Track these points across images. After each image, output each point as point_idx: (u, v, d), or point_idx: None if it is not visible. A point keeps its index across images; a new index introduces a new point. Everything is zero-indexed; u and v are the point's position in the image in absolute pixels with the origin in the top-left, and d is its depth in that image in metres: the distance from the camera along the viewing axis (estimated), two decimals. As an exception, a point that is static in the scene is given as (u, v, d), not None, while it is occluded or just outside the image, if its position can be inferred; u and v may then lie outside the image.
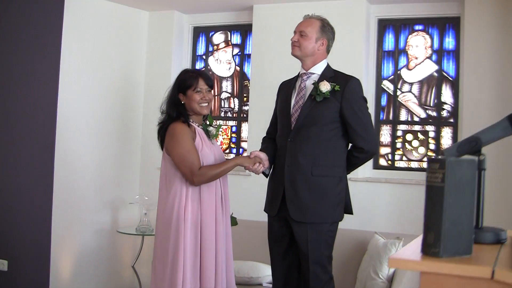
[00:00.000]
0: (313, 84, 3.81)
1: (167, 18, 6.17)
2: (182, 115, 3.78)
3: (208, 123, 3.97)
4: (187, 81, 3.82)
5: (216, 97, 6.25)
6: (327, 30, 3.91)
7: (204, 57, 6.34)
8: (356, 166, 3.94)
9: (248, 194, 5.57)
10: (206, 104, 3.82)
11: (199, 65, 6.33)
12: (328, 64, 3.93)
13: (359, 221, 5.20)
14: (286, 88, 4.03)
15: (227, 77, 6.25)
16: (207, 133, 3.89)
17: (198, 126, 3.83)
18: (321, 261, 3.74)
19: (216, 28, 6.29)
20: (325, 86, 3.77)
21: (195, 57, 6.35)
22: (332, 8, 5.47)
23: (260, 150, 4.02)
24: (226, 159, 3.89)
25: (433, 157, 1.85)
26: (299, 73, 3.96)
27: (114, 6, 5.89)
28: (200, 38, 6.35)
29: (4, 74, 5.62)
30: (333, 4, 5.49)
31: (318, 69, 3.88)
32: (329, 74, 3.87)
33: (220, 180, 3.82)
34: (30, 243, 5.41)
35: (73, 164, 5.53)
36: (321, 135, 3.75)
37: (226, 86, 6.24)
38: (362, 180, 5.37)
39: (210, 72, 6.28)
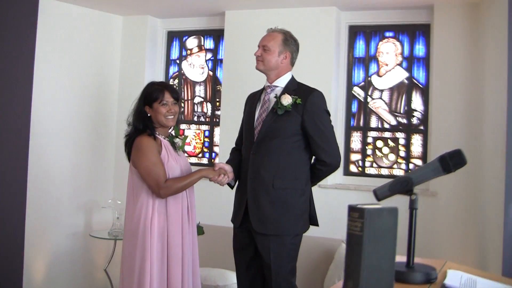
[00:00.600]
0: (274, 97, 3.86)
1: (141, 22, 6.19)
2: (148, 128, 3.80)
3: (174, 134, 4.02)
4: (153, 94, 3.84)
5: (189, 101, 6.28)
6: (290, 43, 3.93)
7: (177, 61, 6.36)
8: (319, 178, 3.96)
9: (218, 200, 5.61)
10: (172, 116, 3.85)
11: (173, 70, 6.36)
12: (292, 77, 3.96)
13: (328, 229, 5.24)
14: (252, 101, 4.06)
15: (200, 81, 6.27)
16: (173, 145, 3.92)
17: (164, 139, 3.86)
18: (284, 273, 3.77)
19: (189, 33, 6.31)
20: (287, 99, 3.80)
21: (169, 62, 6.37)
22: (303, 15, 5.53)
23: (227, 161, 4.07)
24: (193, 171, 3.93)
25: (353, 205, 1.88)
26: (264, 85, 4.01)
27: (88, 11, 5.91)
28: (174, 42, 6.37)
29: None
30: (304, 11, 5.52)
31: (282, 82, 3.91)
32: (293, 87, 3.90)
33: (186, 191, 3.86)
34: (3, 245, 5.42)
35: (47, 167, 5.56)
36: (283, 148, 3.78)
37: (199, 90, 6.26)
38: (331, 187, 5.42)
39: (184, 77, 6.31)
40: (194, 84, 6.29)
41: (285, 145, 3.79)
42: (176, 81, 6.36)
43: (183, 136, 4.06)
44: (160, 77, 6.33)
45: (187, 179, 3.75)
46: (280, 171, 3.78)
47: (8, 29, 5.48)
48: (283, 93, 3.85)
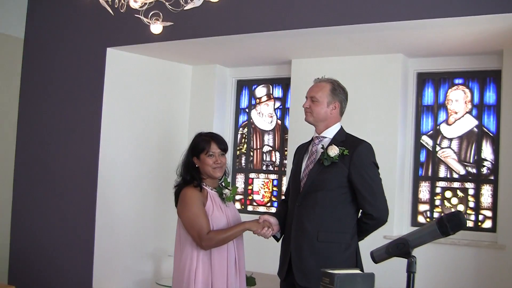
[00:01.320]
0: (321, 148, 3.81)
1: (210, 71, 6.31)
2: (195, 179, 3.83)
3: (224, 185, 4.03)
4: (199, 145, 3.87)
5: (258, 150, 6.31)
6: (338, 92, 3.87)
7: (247, 110, 6.42)
8: (367, 232, 3.85)
9: (272, 248, 5.57)
10: (219, 167, 3.86)
11: (242, 118, 6.43)
12: (341, 128, 3.90)
13: (387, 282, 5.10)
14: (301, 152, 4.02)
15: (269, 130, 6.29)
16: (221, 196, 3.94)
17: (212, 190, 3.86)
18: (328, 328, 3.68)
19: (258, 82, 6.37)
20: (333, 151, 3.73)
21: (238, 110, 6.44)
22: (368, 63, 5.46)
23: (274, 213, 4.04)
24: (237, 224, 3.91)
25: (324, 270, 1.82)
26: (312, 137, 3.97)
27: (157, 62, 6.07)
28: (244, 91, 6.44)
29: (47, 127, 5.92)
30: (369, 58, 5.45)
31: (330, 133, 3.85)
32: (341, 138, 3.83)
33: (234, 243, 3.85)
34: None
35: (114, 215, 5.72)
36: (328, 200, 3.70)
37: (268, 139, 6.29)
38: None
39: (253, 126, 6.36)
40: (263, 132, 6.32)
41: (330, 198, 3.71)
42: (246, 130, 6.41)
43: (232, 187, 4.03)
44: (230, 126, 6.41)
45: (229, 231, 3.73)
46: (324, 224, 3.70)
47: (75, 81, 5.77)
48: (330, 144, 3.79)
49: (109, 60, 5.63)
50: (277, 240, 4.01)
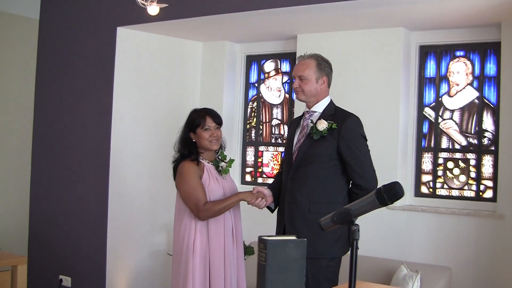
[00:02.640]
0: (311, 122, 3.93)
1: (220, 48, 6.42)
2: (192, 153, 4.02)
3: (220, 158, 4.19)
4: (195, 120, 4.06)
5: (267, 123, 6.42)
6: (323, 66, 3.96)
7: (256, 84, 6.53)
8: None
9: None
10: (215, 140, 4.03)
11: (252, 93, 6.53)
12: (330, 102, 3.99)
13: (391, 251, 5.23)
14: (293, 126, 4.15)
15: (277, 104, 6.40)
16: (218, 168, 4.10)
17: (208, 163, 4.05)
18: (322, 295, 3.80)
19: (267, 57, 6.46)
20: (322, 125, 3.84)
21: (248, 85, 6.55)
22: (372, 37, 5.52)
23: (269, 185, 4.19)
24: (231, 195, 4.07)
25: (261, 236, 1.96)
26: (304, 111, 4.09)
27: (167, 39, 6.20)
28: (253, 66, 6.54)
29: (63, 109, 6.11)
30: (373, 32, 5.51)
31: (320, 107, 3.96)
32: (330, 111, 3.94)
33: (231, 213, 4.03)
34: (86, 264, 5.84)
35: (126, 191, 5.89)
36: (320, 173, 3.83)
37: (277, 113, 6.39)
38: (399, 209, 5.36)
39: (262, 100, 6.47)
40: (271, 106, 6.43)
41: (321, 170, 3.84)
42: (255, 104, 6.52)
43: (228, 159, 4.21)
44: (240, 101, 6.51)
45: (225, 202, 3.92)
46: (316, 196, 3.83)
47: (87, 60, 5.92)
48: (319, 118, 3.90)
49: (120, 39, 5.75)
50: (271, 211, 4.16)
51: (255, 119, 6.52)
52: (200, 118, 4.04)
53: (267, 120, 6.43)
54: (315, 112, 3.98)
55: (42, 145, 6.23)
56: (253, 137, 6.53)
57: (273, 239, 1.92)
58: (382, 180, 4.97)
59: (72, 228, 5.96)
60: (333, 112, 3.95)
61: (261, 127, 6.46)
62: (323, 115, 3.92)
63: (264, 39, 6.29)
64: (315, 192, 3.83)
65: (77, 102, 6.00)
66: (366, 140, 3.93)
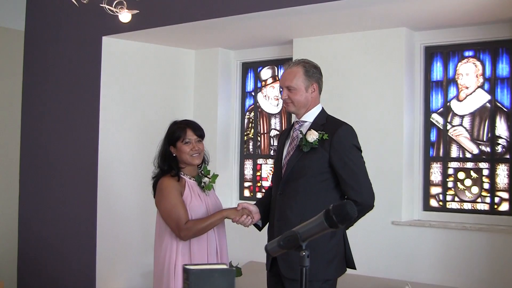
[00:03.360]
0: (300, 133, 3.63)
1: (213, 55, 6.18)
2: (173, 169, 3.80)
3: (203, 173, 3.94)
4: (175, 133, 3.84)
5: (265, 135, 6.15)
6: (312, 73, 3.67)
7: (253, 93, 6.27)
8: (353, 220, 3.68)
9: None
10: (197, 154, 3.81)
11: (249, 102, 6.29)
12: (322, 110, 3.71)
13: (396, 270, 4.93)
14: (283, 138, 3.88)
15: (276, 113, 6.13)
16: (200, 184, 3.87)
17: (190, 178, 3.83)
18: (315, 320, 3.51)
19: (263, 64, 6.21)
20: (312, 136, 3.57)
21: (244, 94, 6.30)
22: (372, 38, 5.23)
23: (257, 201, 3.92)
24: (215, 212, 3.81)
25: (185, 265, 1.75)
26: (293, 121, 3.80)
27: (157, 48, 5.98)
28: (249, 74, 6.29)
29: (49, 119, 5.92)
30: (371, 34, 5.21)
31: (310, 116, 3.68)
32: (321, 121, 3.66)
33: (215, 231, 3.82)
34: (79, 284, 5.65)
35: (116, 207, 5.69)
36: (310, 187, 3.56)
37: (275, 123, 6.11)
38: (405, 224, 5.05)
39: (259, 109, 6.20)
40: (269, 116, 6.15)
41: (312, 185, 3.56)
42: (252, 114, 6.27)
43: (212, 175, 3.94)
44: (236, 111, 6.29)
45: (208, 220, 3.70)
46: (307, 213, 3.46)
47: (73, 71, 5.74)
48: (309, 128, 3.62)
49: (106, 49, 5.58)
50: (259, 229, 3.91)
51: (252, 130, 6.26)
52: (180, 131, 3.84)
53: (265, 131, 6.16)
54: (305, 122, 3.72)
55: (29, 161, 6.14)
56: (251, 150, 6.26)
57: (196, 268, 1.72)
58: (386, 194, 4.86)
59: (61, 247, 5.81)
60: (324, 122, 3.68)
61: (259, 138, 6.20)
62: (314, 125, 3.67)
63: (259, 45, 6.05)
64: (306, 208, 3.55)
65: (64, 115, 5.87)
66: (361, 151, 3.64)
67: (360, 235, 4.76)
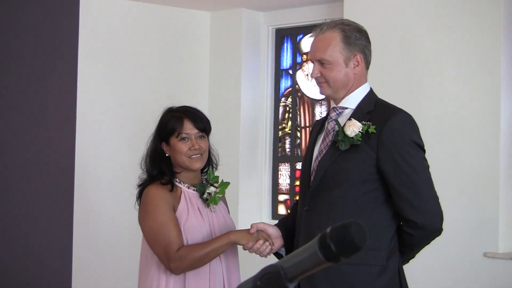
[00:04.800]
0: (336, 124, 3.62)
1: (235, 18, 6.31)
2: (165, 174, 3.81)
3: (208, 181, 3.94)
4: (167, 124, 3.85)
5: (307, 129, 6.26)
6: (354, 38, 3.63)
7: (290, 71, 6.37)
8: (413, 248, 3.67)
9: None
10: (198, 155, 3.80)
11: (285, 84, 6.39)
12: (370, 91, 3.68)
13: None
14: (315, 131, 3.88)
15: (321, 100, 6.24)
16: (203, 195, 3.87)
17: (189, 188, 3.83)
18: None
19: (304, 30, 6.30)
20: (352, 128, 3.53)
21: (279, 73, 6.42)
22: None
23: (279, 221, 3.93)
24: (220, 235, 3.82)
25: None
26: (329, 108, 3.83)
27: (159, 9, 6.13)
28: (285, 44, 6.41)
29: (7, 110, 6.04)
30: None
31: (352, 100, 3.66)
32: (367, 107, 3.63)
33: (221, 263, 3.81)
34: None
35: (94, 214, 5.91)
36: (350, 202, 3.55)
37: (321, 112, 6.22)
38: (503, 257, 5.06)
39: (299, 94, 6.29)
40: (313, 103, 6.25)
41: (352, 198, 3.55)
42: (289, 100, 6.36)
43: (220, 183, 3.94)
44: (267, 96, 6.42)
45: (208, 246, 3.67)
46: None
47: (40, 43, 5.84)
48: (350, 118, 3.60)
49: (84, 10, 5.69)
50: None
51: (290, 123, 6.32)
52: (175, 122, 3.84)
53: (308, 124, 6.25)
54: (346, 108, 3.69)
55: None
56: (287, 150, 6.33)
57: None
58: (477, 215, 4.83)
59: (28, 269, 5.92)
60: (372, 108, 3.65)
61: (298, 134, 6.28)
62: (357, 113, 3.63)
63: (298, 4, 6.13)
64: None
65: (31, 104, 5.94)
66: (423, 150, 3.61)
67: (438, 271, 4.74)
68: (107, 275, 5.98)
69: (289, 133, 6.35)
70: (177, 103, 5.73)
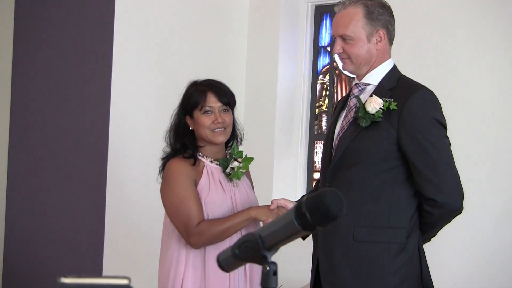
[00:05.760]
0: (357, 100, 3.62)
1: None
2: (188, 148, 3.86)
3: (232, 156, 3.97)
4: (191, 97, 3.89)
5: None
6: (377, 13, 3.65)
7: (329, 49, 6.36)
8: (433, 227, 3.67)
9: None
10: (222, 129, 3.83)
11: (323, 62, 6.39)
12: (394, 67, 3.71)
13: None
14: (338, 108, 3.91)
15: (359, 77, 6.18)
16: (226, 170, 3.91)
17: (212, 162, 3.87)
18: None
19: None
20: (373, 104, 3.54)
21: (317, 50, 6.41)
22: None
23: (301, 197, 3.93)
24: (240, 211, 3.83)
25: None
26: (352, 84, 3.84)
27: None
28: (324, 21, 6.39)
29: (40, 93, 6.14)
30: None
31: (375, 77, 3.68)
32: (390, 84, 3.64)
33: None
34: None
35: (130, 210, 5.87)
36: (370, 179, 3.57)
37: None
38: None
39: (337, 72, 6.30)
40: (350, 81, 6.22)
41: (372, 175, 3.57)
42: (327, 77, 6.35)
43: (243, 157, 3.95)
44: (305, 73, 6.39)
45: (228, 222, 3.72)
46: (364, 216, 3.56)
47: (79, 27, 5.88)
48: (372, 94, 3.61)
49: None
50: (303, 237, 3.88)
51: (327, 101, 6.32)
52: (198, 95, 3.88)
53: None
54: (368, 85, 3.71)
55: (20, 148, 6.26)
56: (323, 128, 6.35)
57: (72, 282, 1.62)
58: (500, 195, 4.79)
59: (56, 259, 5.95)
60: (394, 85, 3.67)
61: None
62: (379, 90, 3.65)
63: None
64: (363, 210, 3.57)
65: (64, 85, 5.98)
66: (445, 128, 3.61)
67: (468, 254, 4.71)
68: (138, 256, 5.99)
69: (325, 111, 6.35)
70: (214, 78, 5.81)
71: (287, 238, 1.92)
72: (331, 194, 1.86)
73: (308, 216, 1.85)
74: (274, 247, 1.93)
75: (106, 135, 5.69)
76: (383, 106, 3.52)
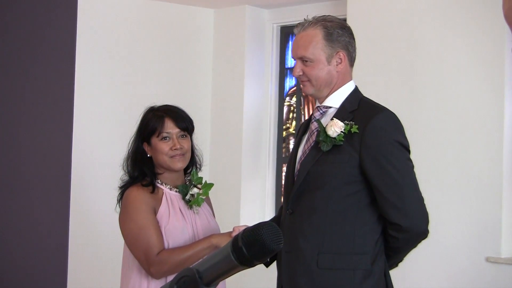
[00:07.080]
0: (318, 124, 3.58)
1: (238, 16, 6.31)
2: (146, 175, 3.82)
3: (192, 182, 3.94)
4: (149, 124, 3.85)
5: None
6: (337, 35, 3.61)
7: None
8: (400, 252, 3.63)
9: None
10: (180, 155, 3.80)
11: (290, 83, 6.40)
12: (355, 89, 3.67)
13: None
14: (300, 132, 3.86)
15: (326, 100, 6.19)
16: (185, 197, 3.88)
17: (171, 189, 3.85)
18: None
19: (310, 27, 6.27)
20: (334, 128, 3.50)
21: (283, 71, 6.43)
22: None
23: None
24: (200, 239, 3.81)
25: None
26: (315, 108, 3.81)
27: (162, 6, 6.14)
28: (290, 42, 6.39)
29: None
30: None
31: (336, 99, 3.63)
32: (351, 106, 3.60)
33: None
34: None
35: (91, 220, 5.88)
36: (333, 204, 3.52)
37: (325, 112, 6.17)
38: (505, 262, 5.00)
39: (304, 93, 6.20)
40: None
41: (335, 200, 3.52)
42: (294, 99, 6.35)
43: (204, 183, 3.91)
44: (271, 95, 6.42)
45: (190, 250, 3.69)
46: (327, 242, 3.51)
47: (36, 40, 5.84)
48: (333, 117, 3.55)
49: (82, 5, 5.70)
50: (266, 264, 3.84)
51: (294, 123, 6.34)
52: (156, 121, 3.86)
53: None
54: (329, 108, 3.66)
55: None
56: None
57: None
58: (478, 219, 4.77)
59: (24, 267, 5.98)
60: (355, 107, 3.63)
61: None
62: (340, 112, 3.60)
63: (303, 1, 6.13)
64: (327, 236, 3.53)
65: (27, 102, 5.98)
66: (408, 150, 3.56)
67: (440, 276, 4.69)
68: (102, 277, 5.99)
69: (293, 133, 6.36)
70: (180, 102, 5.77)
71: (225, 273, 1.84)
72: (268, 228, 1.79)
73: (244, 251, 1.78)
74: (213, 282, 1.85)
75: (69, 158, 5.74)
76: (344, 129, 3.47)
